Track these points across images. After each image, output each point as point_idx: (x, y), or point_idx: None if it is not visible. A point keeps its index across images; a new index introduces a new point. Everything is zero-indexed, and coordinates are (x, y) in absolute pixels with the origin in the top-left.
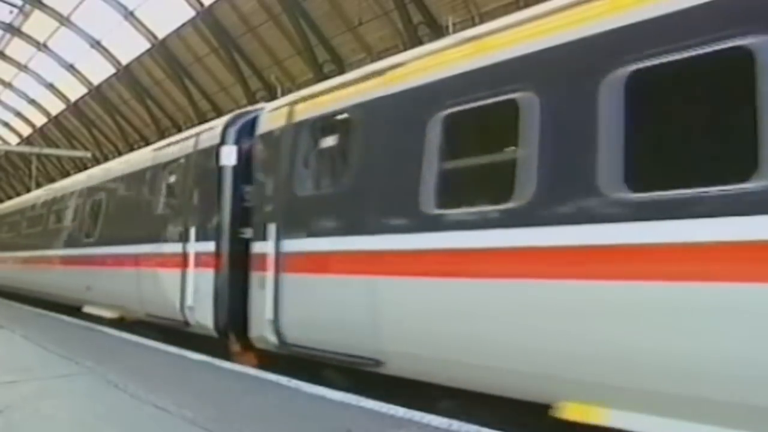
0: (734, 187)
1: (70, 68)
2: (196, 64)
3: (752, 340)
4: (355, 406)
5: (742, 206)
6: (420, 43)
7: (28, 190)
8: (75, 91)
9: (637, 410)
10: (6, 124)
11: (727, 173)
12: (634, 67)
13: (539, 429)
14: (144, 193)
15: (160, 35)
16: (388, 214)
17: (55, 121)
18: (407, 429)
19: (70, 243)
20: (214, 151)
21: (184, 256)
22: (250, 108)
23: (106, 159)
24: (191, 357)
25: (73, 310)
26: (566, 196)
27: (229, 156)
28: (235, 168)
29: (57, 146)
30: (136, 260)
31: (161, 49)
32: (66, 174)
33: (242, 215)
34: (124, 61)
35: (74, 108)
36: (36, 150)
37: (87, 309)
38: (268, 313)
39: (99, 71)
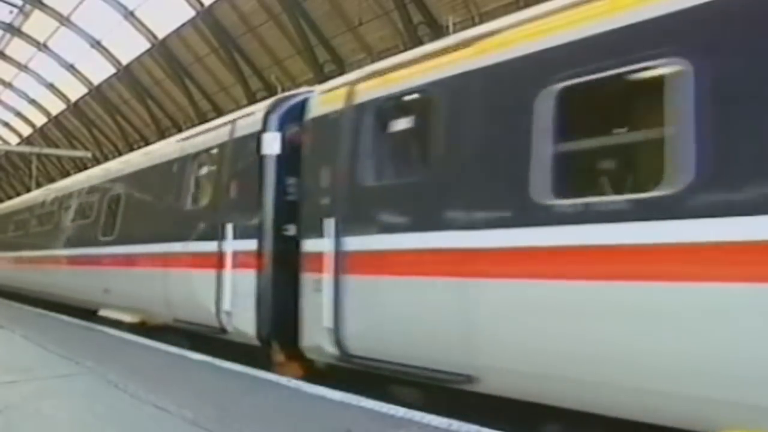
0: None
1: (70, 68)
2: (196, 64)
3: None
4: (355, 406)
5: None
6: (420, 43)
7: (29, 190)
8: (75, 91)
9: None
10: (6, 124)
11: None
12: None
13: (539, 429)
14: (170, 187)
15: (160, 35)
16: (488, 205)
17: (55, 121)
18: (407, 429)
19: (86, 242)
20: (255, 139)
21: (220, 255)
22: (291, 92)
23: (106, 159)
24: (191, 357)
25: (87, 313)
26: (740, 180)
27: (272, 144)
28: (279, 157)
29: (57, 146)
30: (162, 260)
31: (161, 49)
32: (66, 174)
33: (286, 210)
34: (124, 61)
35: (74, 108)
36: (36, 150)
37: (104, 312)
38: (327, 321)
39: (99, 71)
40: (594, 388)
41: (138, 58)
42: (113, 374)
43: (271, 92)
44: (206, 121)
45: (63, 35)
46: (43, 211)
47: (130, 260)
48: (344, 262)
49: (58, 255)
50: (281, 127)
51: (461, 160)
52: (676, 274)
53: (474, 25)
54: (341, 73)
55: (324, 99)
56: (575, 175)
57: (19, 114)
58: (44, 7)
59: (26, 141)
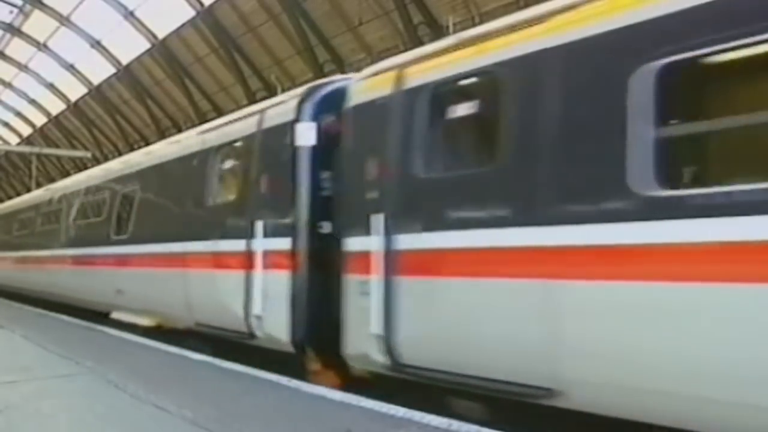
0: None
1: (70, 68)
2: (196, 64)
3: None
4: (355, 406)
5: None
6: (420, 43)
7: (29, 190)
8: (75, 91)
9: None
10: (6, 124)
11: None
12: None
13: (539, 429)
14: (190, 183)
15: (161, 35)
16: (576, 197)
17: (55, 121)
18: (407, 429)
19: (97, 241)
20: (287, 130)
21: (249, 255)
22: (325, 80)
23: (106, 159)
24: (191, 357)
25: (98, 315)
26: None
27: (307, 135)
28: (313, 149)
29: (57, 146)
30: (182, 260)
31: (161, 49)
32: (66, 174)
33: (321, 207)
34: (125, 61)
35: (74, 108)
36: (36, 150)
37: (116, 315)
38: (376, 327)
39: (99, 71)
40: (716, 406)
41: (138, 58)
42: (113, 374)
43: (271, 92)
44: (206, 121)
45: (63, 35)
46: (50, 209)
47: (145, 260)
48: (396, 262)
49: (66, 255)
50: (316, 117)
51: (542, 148)
52: None
53: (474, 25)
54: (341, 73)
55: (367, 85)
56: (685, 162)
57: (19, 114)
58: (44, 7)
59: (26, 141)
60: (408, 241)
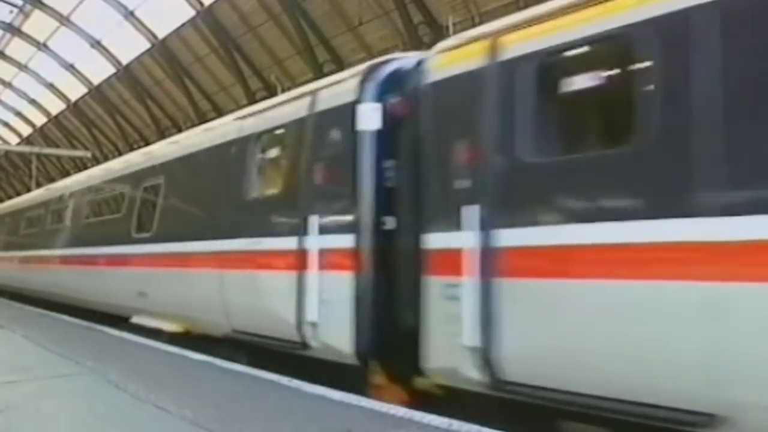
0: None
1: (70, 68)
2: (196, 64)
3: None
4: (356, 406)
5: None
6: (420, 43)
7: (29, 190)
8: (75, 90)
9: None
10: (6, 124)
11: None
12: None
13: (539, 429)
14: (226, 174)
15: (160, 35)
16: (756, 180)
17: (55, 120)
18: (407, 429)
19: (115, 239)
20: (346, 112)
21: (301, 253)
22: (389, 56)
23: (106, 159)
24: (192, 357)
25: (116, 320)
26: None
27: (370, 117)
28: (378, 134)
29: (57, 146)
30: (218, 259)
31: (161, 49)
32: (66, 174)
33: (386, 199)
34: (124, 61)
35: (74, 108)
36: (36, 150)
37: (137, 320)
38: (470, 337)
39: (99, 71)
40: None
41: (138, 58)
42: (114, 374)
43: (271, 92)
44: (206, 121)
45: (63, 35)
46: (61, 206)
47: (173, 260)
48: (497, 261)
49: (79, 254)
50: (380, 97)
51: (711, 121)
52: None
53: (474, 25)
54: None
55: (452, 58)
56: None
57: (19, 114)
58: (44, 7)
59: (26, 141)
60: (514, 236)
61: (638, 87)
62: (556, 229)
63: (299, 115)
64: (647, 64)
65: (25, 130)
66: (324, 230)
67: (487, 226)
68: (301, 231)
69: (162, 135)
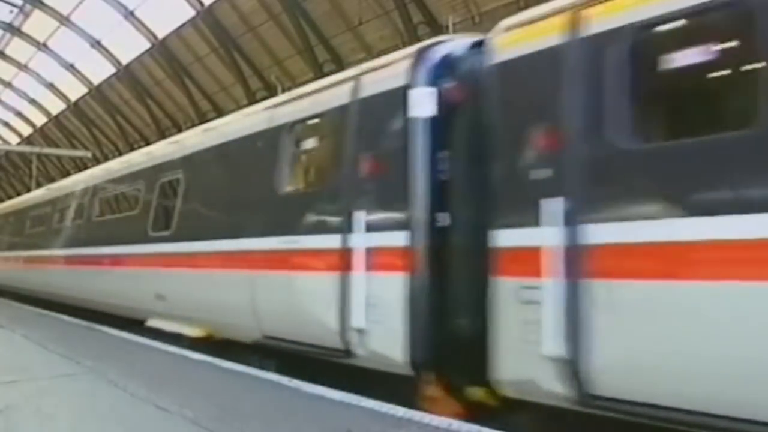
0: None
1: (71, 68)
2: (196, 64)
3: None
4: (356, 405)
5: None
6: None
7: (29, 190)
8: (75, 90)
9: None
10: (6, 124)
11: None
12: None
13: (539, 429)
14: (256, 167)
15: (161, 35)
16: None
17: (55, 120)
18: (407, 429)
19: (129, 238)
20: (397, 98)
21: (345, 252)
22: (435, 39)
23: (107, 159)
24: (192, 357)
25: (129, 323)
26: None
27: (424, 103)
28: (433, 122)
29: (57, 146)
30: (247, 259)
31: (161, 49)
32: (66, 174)
33: (439, 193)
34: (125, 61)
35: (74, 108)
36: (36, 150)
37: (154, 323)
38: (552, 346)
39: (99, 71)
40: None
41: (138, 58)
42: (113, 374)
43: (271, 92)
44: (206, 121)
45: (63, 35)
46: (69, 204)
47: (195, 260)
48: (587, 260)
49: (89, 254)
50: (434, 81)
51: None
52: None
53: (474, 25)
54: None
55: (521, 36)
56: None
57: (19, 114)
58: (44, 7)
59: (26, 141)
60: (608, 232)
61: (765, 61)
62: (663, 224)
63: (340, 102)
64: None
65: (26, 130)
66: (371, 227)
67: (572, 220)
68: (344, 228)
69: (162, 135)
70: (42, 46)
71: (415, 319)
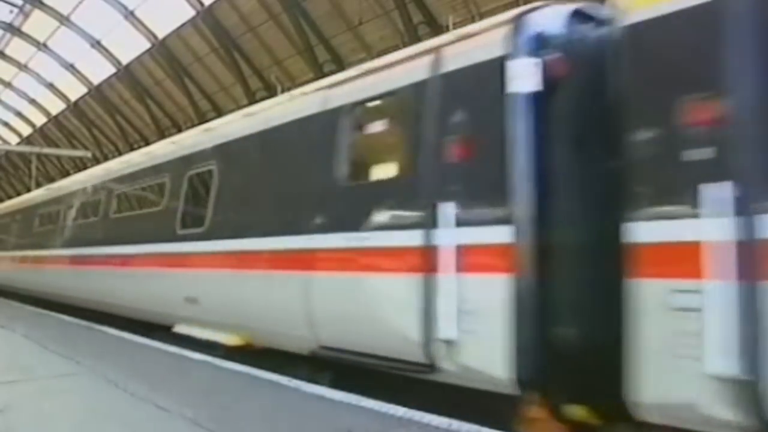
0: None
1: (70, 68)
2: (196, 64)
3: None
4: (356, 405)
5: None
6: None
7: (28, 190)
8: (75, 90)
9: None
10: (6, 124)
11: None
12: None
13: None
14: (309, 155)
15: (161, 35)
16: None
17: (55, 120)
18: (407, 429)
19: (153, 236)
20: (491, 71)
21: (428, 251)
22: (532, 5)
23: (106, 159)
24: (191, 356)
25: (150, 328)
26: None
27: (527, 77)
28: (536, 98)
29: (57, 146)
30: (302, 258)
31: (161, 49)
32: (66, 174)
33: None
34: (124, 61)
35: (74, 108)
36: (36, 150)
37: (183, 330)
38: (721, 363)
39: (99, 71)
40: None
41: (138, 58)
42: (113, 373)
43: (271, 92)
44: (206, 121)
45: (63, 35)
46: (83, 201)
47: (234, 260)
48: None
49: (106, 254)
50: (536, 52)
51: None
52: None
53: None
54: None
55: None
56: None
57: (19, 114)
58: (44, 7)
59: (26, 141)
60: None
61: None
62: None
63: (417, 79)
64: None
65: (25, 130)
66: (463, 221)
67: (746, 209)
68: (427, 222)
69: (162, 135)
70: (42, 46)
71: (520, 328)
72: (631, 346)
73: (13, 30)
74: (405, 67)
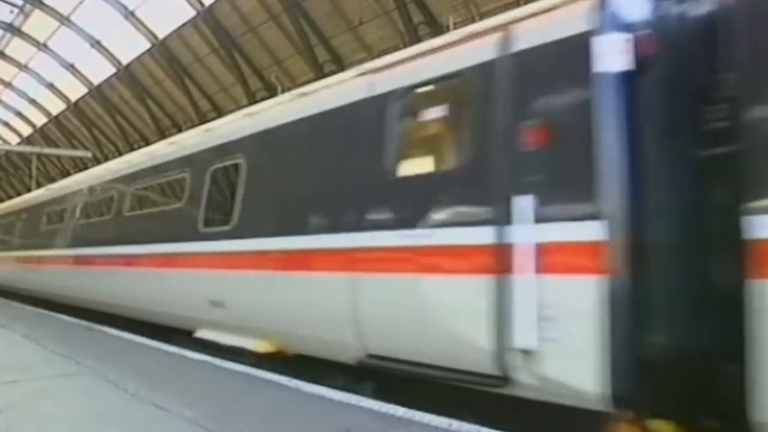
0: None
1: (71, 68)
2: (196, 64)
3: None
4: (356, 405)
5: None
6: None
7: (29, 190)
8: (75, 91)
9: None
10: (6, 124)
11: None
12: None
13: (539, 428)
14: (353, 145)
15: (161, 35)
16: None
17: (55, 120)
18: (407, 428)
19: (173, 235)
20: (574, 48)
21: (501, 249)
22: None
23: (107, 159)
24: (191, 357)
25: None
26: None
27: (616, 54)
28: (627, 78)
29: (57, 146)
30: (348, 259)
31: (161, 49)
32: (66, 174)
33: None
34: (125, 61)
35: (74, 108)
36: (36, 150)
37: (206, 335)
38: None
39: (99, 71)
40: None
41: (138, 58)
42: (113, 374)
43: (271, 92)
44: (206, 121)
45: (63, 35)
46: (93, 199)
47: (266, 260)
48: None
49: (120, 254)
50: (626, 27)
51: None
52: None
53: None
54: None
55: None
56: None
57: (19, 114)
58: (44, 7)
59: (26, 141)
60: None
61: None
62: None
63: (483, 59)
64: None
65: (26, 130)
66: (542, 216)
67: None
68: (500, 218)
69: (162, 135)
70: (42, 46)
71: (614, 336)
72: (753, 357)
73: (14, 30)
74: (467, 47)
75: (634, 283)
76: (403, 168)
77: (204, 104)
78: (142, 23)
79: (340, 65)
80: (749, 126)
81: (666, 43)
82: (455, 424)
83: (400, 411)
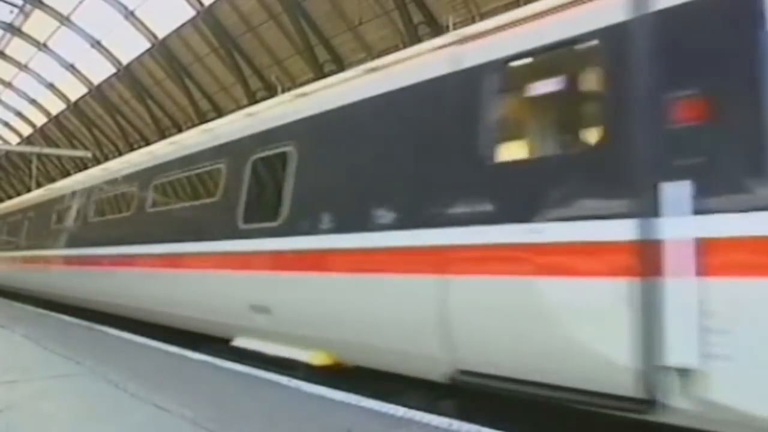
0: None
1: (71, 68)
2: (196, 64)
3: None
4: (356, 405)
5: None
6: (420, 42)
7: (29, 190)
8: (75, 90)
9: None
10: (6, 124)
11: None
12: None
13: (539, 428)
14: (437, 128)
15: (161, 35)
16: None
17: (55, 120)
18: (407, 428)
19: (207, 233)
20: (734, 5)
21: (646, 246)
22: None
23: (107, 159)
24: (192, 357)
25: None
26: None
27: None
28: None
29: (57, 146)
30: (435, 258)
31: (161, 49)
32: (66, 174)
33: None
34: (125, 61)
35: (74, 108)
36: (36, 150)
37: (247, 344)
38: None
39: (99, 71)
40: None
41: (138, 58)
42: (113, 374)
43: (271, 92)
44: (206, 121)
45: (63, 35)
46: (113, 193)
47: (327, 260)
48: None
49: (145, 254)
50: None
51: None
52: None
53: None
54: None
55: None
56: None
57: (19, 114)
58: (44, 7)
59: (26, 141)
60: None
61: None
62: None
63: (612, 21)
64: None
65: (26, 130)
66: (703, 207)
67: None
68: (644, 209)
69: (162, 135)
70: (42, 46)
71: None
72: None
73: (14, 30)
74: (584, 9)
75: None
76: (502, 152)
77: (204, 104)
78: (142, 23)
79: (340, 65)
80: None
81: None
82: (455, 424)
83: (400, 411)
